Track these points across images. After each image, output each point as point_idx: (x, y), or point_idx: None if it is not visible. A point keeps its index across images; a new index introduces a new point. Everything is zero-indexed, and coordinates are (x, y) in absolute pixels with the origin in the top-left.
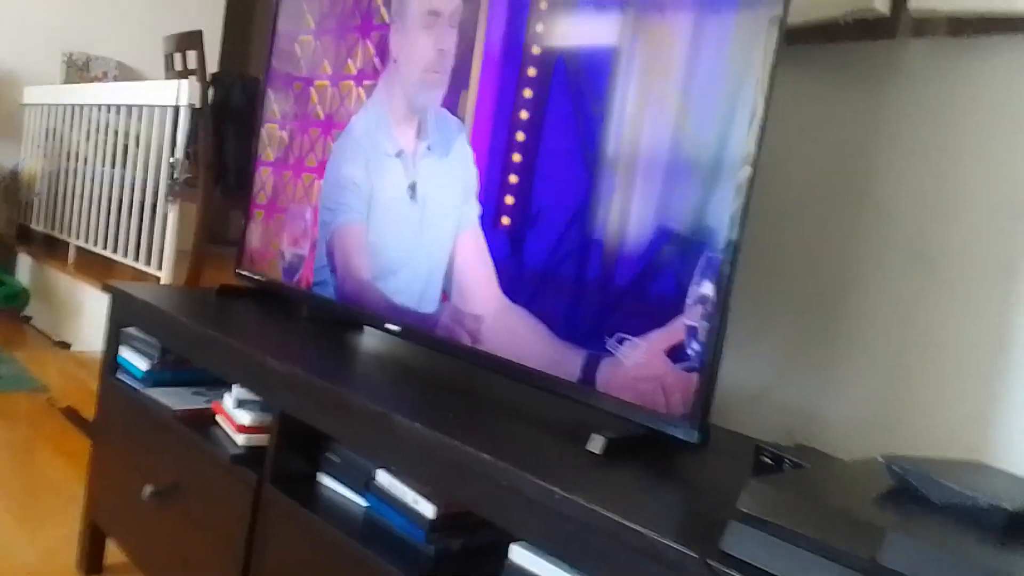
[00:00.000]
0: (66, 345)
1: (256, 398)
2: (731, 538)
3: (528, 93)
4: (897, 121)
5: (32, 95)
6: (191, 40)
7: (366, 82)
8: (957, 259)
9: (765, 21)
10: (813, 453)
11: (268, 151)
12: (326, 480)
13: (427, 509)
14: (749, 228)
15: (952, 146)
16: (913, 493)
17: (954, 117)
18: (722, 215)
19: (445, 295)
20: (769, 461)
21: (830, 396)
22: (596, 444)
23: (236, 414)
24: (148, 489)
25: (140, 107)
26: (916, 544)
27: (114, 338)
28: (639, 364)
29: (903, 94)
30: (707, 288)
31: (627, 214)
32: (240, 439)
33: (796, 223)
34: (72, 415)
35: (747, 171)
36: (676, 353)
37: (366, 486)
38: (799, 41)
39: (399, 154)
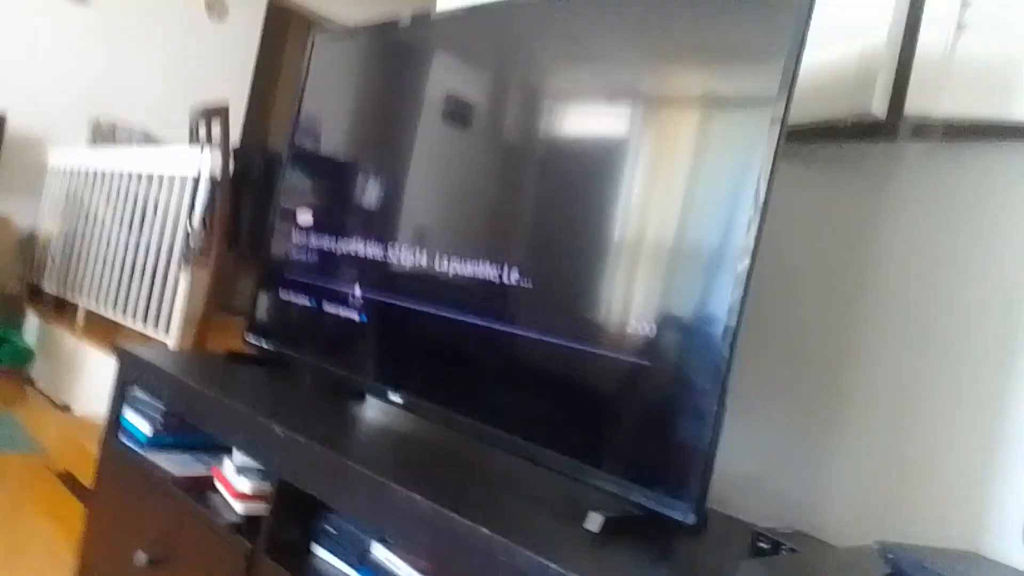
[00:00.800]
0: (67, 408)
1: (256, 465)
2: None
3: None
4: (896, 214)
5: (56, 157)
6: (216, 112)
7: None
8: (953, 345)
9: (766, 121)
10: (809, 540)
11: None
12: (322, 552)
13: None
14: (748, 314)
15: (949, 238)
16: None
17: (951, 212)
18: (722, 303)
19: None
20: (765, 546)
21: (826, 480)
22: (594, 522)
23: (235, 481)
24: (142, 556)
25: (162, 177)
26: None
27: (119, 399)
28: (639, 445)
29: (902, 191)
30: (707, 373)
31: (632, 293)
32: (238, 507)
33: (796, 309)
34: (68, 479)
35: (746, 262)
36: (675, 436)
37: (361, 560)
38: (801, 140)
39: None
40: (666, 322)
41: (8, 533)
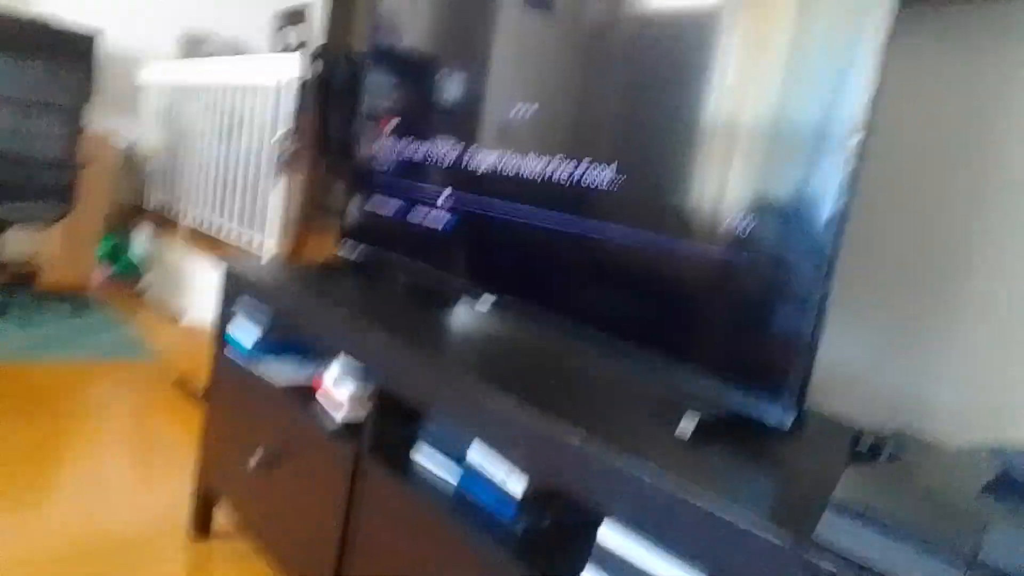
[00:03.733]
0: (176, 317)
1: (356, 370)
2: (826, 527)
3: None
4: (1009, 94)
5: (149, 74)
6: (297, 16)
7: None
8: None
9: None
10: (914, 441)
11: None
12: (421, 453)
13: (517, 486)
14: (858, 199)
15: None
16: (1020, 485)
17: None
18: (829, 186)
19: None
20: (867, 448)
21: (935, 380)
22: (688, 424)
23: (336, 388)
24: (254, 457)
25: (250, 87)
26: (1021, 539)
27: (224, 311)
28: (736, 341)
29: (1019, 62)
30: (810, 264)
31: (729, 181)
32: (339, 413)
33: (909, 196)
34: (182, 385)
35: (856, 139)
36: (774, 330)
37: (460, 460)
38: (914, 3)
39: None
40: (767, 208)
41: (134, 435)
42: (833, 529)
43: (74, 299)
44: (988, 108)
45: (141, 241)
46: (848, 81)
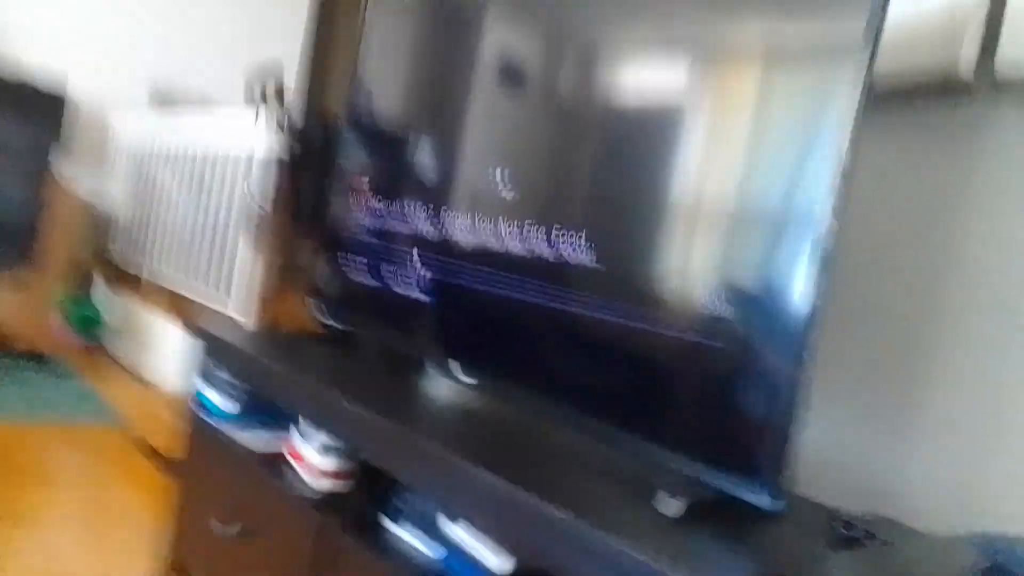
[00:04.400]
0: (141, 378)
1: (334, 442)
2: None
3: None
4: (985, 181)
5: (119, 130)
6: (271, 70)
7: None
8: None
9: (850, 75)
10: (894, 526)
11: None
12: (399, 528)
13: (497, 564)
14: (832, 285)
15: None
16: (1003, 573)
17: None
18: (804, 266)
19: None
20: (847, 533)
21: (911, 464)
22: (671, 507)
23: (313, 458)
24: (224, 527)
25: (222, 153)
26: None
27: (197, 377)
28: (714, 423)
29: (991, 154)
30: (788, 352)
31: (702, 260)
32: (316, 483)
33: (878, 282)
34: (150, 451)
35: (829, 232)
36: (754, 415)
37: (438, 535)
38: (881, 100)
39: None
40: (744, 298)
41: (93, 502)
42: None
43: (34, 358)
44: (954, 194)
45: (104, 298)
46: (819, 165)
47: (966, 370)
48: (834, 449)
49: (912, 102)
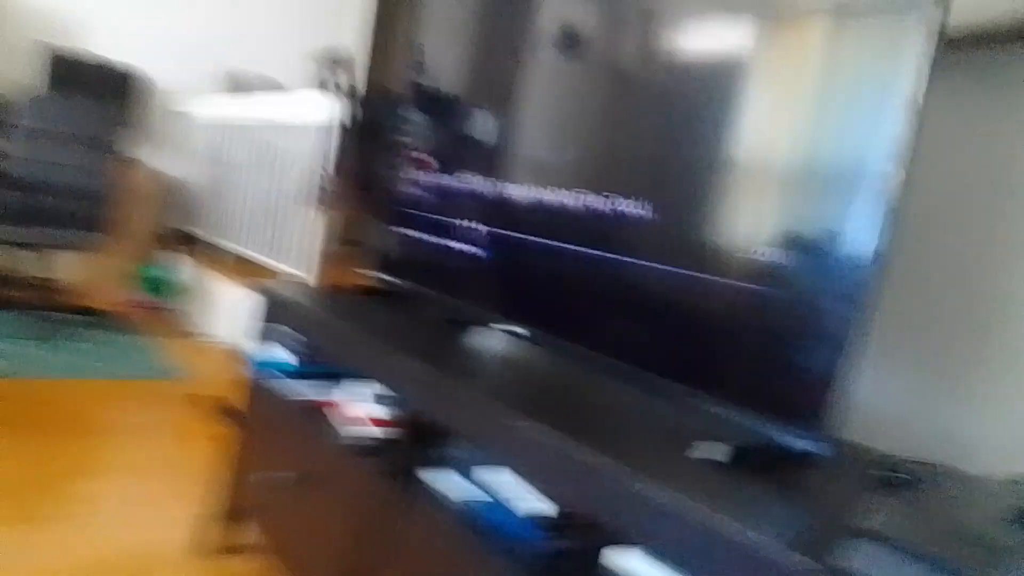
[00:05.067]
0: (212, 338)
1: (385, 393)
2: (850, 555)
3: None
4: None
5: (193, 109)
6: (338, 55)
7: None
8: None
9: (921, 25)
10: (944, 472)
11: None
12: (447, 476)
13: (545, 508)
14: (897, 237)
15: None
16: None
17: None
18: (866, 222)
19: None
20: (892, 476)
21: (974, 417)
22: (703, 452)
23: (367, 409)
24: (283, 476)
25: (293, 125)
26: None
27: (261, 334)
28: (770, 373)
29: None
30: (848, 297)
31: (764, 218)
32: (369, 433)
33: (949, 234)
34: (214, 404)
35: (897, 179)
36: (809, 362)
37: (486, 482)
38: (952, 48)
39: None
40: (803, 247)
41: (163, 452)
42: (857, 557)
43: (100, 317)
44: (1017, 152)
45: (181, 268)
46: (887, 115)
47: None
48: (894, 400)
49: (989, 49)
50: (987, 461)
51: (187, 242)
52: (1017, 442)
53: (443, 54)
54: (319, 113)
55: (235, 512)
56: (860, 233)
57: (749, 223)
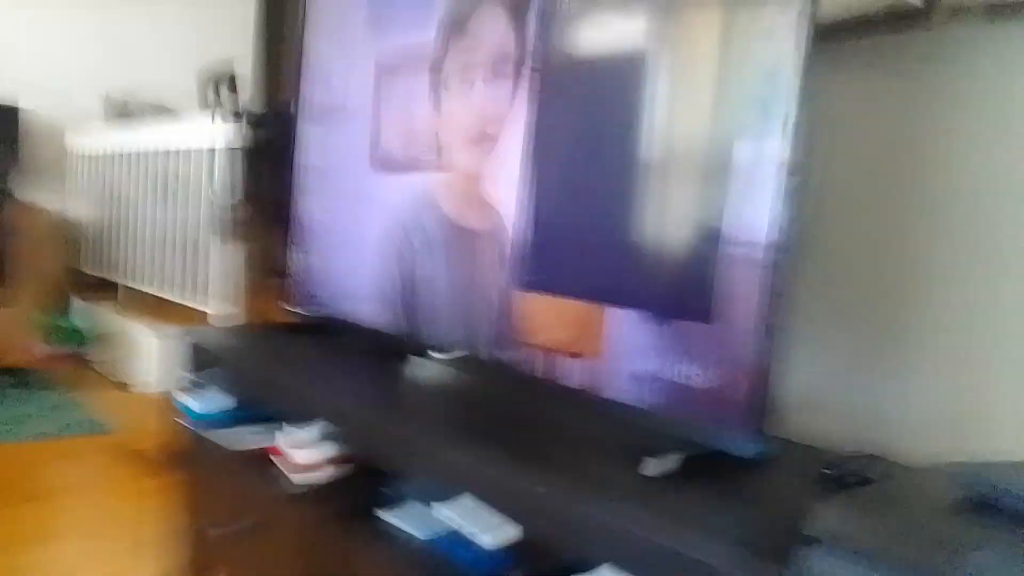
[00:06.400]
0: (124, 385)
1: (318, 435)
2: (804, 562)
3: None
4: (939, 112)
5: (75, 139)
6: (224, 72)
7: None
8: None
9: (793, 16)
10: (881, 462)
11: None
12: (388, 514)
13: (491, 540)
14: (802, 229)
15: (1004, 131)
16: (985, 503)
17: (1004, 102)
18: (767, 214)
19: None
20: (835, 475)
21: (896, 399)
22: (652, 467)
23: (299, 452)
24: (233, 527)
25: (181, 151)
26: (998, 560)
27: (182, 381)
28: (694, 377)
29: (943, 84)
30: (759, 293)
31: (667, 217)
32: (299, 477)
33: (848, 222)
34: (139, 456)
35: (788, 170)
36: (732, 363)
37: (430, 519)
38: (828, 37)
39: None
40: (710, 240)
41: (93, 511)
42: (811, 563)
43: (18, 375)
44: (916, 127)
45: (80, 309)
46: (773, 107)
47: (945, 303)
48: (822, 389)
49: (864, 35)
50: (913, 439)
51: (91, 284)
52: (941, 419)
53: (329, 66)
54: (210, 136)
55: (190, 567)
56: (764, 223)
57: (659, 220)
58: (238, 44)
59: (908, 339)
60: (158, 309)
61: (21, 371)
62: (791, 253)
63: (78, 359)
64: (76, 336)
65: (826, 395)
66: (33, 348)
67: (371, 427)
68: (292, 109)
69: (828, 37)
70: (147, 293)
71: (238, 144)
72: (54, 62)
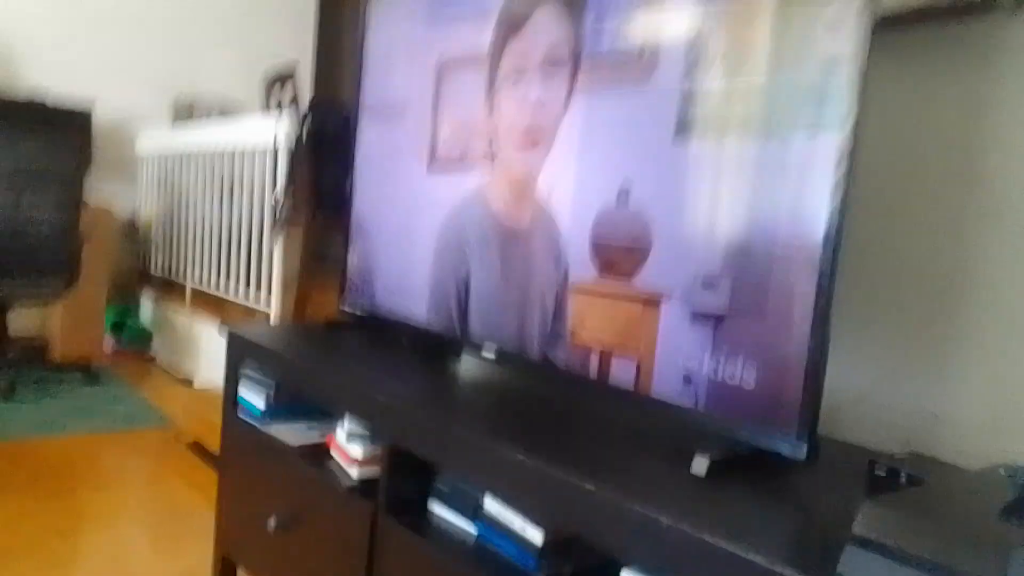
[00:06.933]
0: (188, 382)
1: (366, 431)
2: (848, 563)
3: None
4: (1001, 104)
5: (144, 144)
6: (286, 74)
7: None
8: None
9: (854, 7)
10: (929, 463)
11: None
12: (437, 508)
13: (535, 535)
14: (851, 223)
15: None
16: None
17: None
18: (820, 210)
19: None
20: (883, 475)
21: (945, 398)
22: (700, 466)
23: (348, 447)
24: (272, 520)
25: (243, 151)
26: None
27: (233, 377)
28: (743, 376)
29: (1007, 74)
30: (808, 288)
31: (718, 214)
32: (353, 471)
33: (901, 216)
34: (198, 449)
35: (844, 164)
36: (779, 361)
37: (475, 513)
38: (889, 27)
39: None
40: (758, 239)
41: (151, 501)
42: (855, 565)
43: (85, 370)
44: (975, 120)
45: (147, 307)
46: (832, 103)
47: (997, 304)
48: (870, 389)
49: (927, 25)
50: (958, 441)
51: (157, 283)
52: (984, 419)
53: (391, 62)
54: (272, 133)
55: (230, 558)
56: (814, 218)
57: (707, 217)
58: (298, 45)
59: (955, 339)
60: (222, 308)
61: (91, 366)
62: (841, 250)
63: (144, 356)
64: (143, 334)
65: (873, 396)
66: (103, 344)
67: (422, 423)
68: (352, 106)
69: (890, 27)
70: (210, 292)
71: (295, 145)
72: (124, 68)
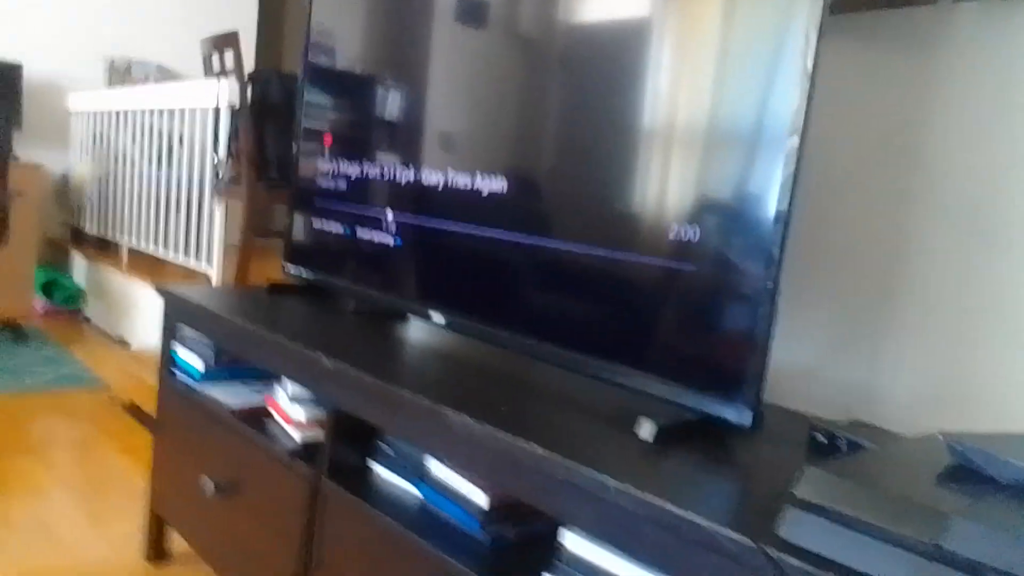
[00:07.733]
0: (123, 343)
1: (309, 394)
2: (789, 525)
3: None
4: (946, 88)
5: (77, 102)
6: (228, 41)
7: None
8: (1016, 227)
9: None
10: (870, 430)
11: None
12: (381, 471)
13: (481, 499)
14: (798, 200)
15: (1006, 112)
16: (975, 472)
17: (1007, 81)
18: (771, 185)
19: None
20: (824, 441)
21: (886, 370)
22: (646, 431)
23: (290, 410)
24: (209, 484)
25: (182, 110)
26: (981, 528)
27: (169, 339)
28: (689, 345)
29: (951, 59)
30: (757, 262)
31: (671, 189)
32: (295, 434)
33: (846, 195)
34: (134, 411)
35: (795, 140)
36: (727, 332)
37: (420, 476)
38: (838, 9)
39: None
40: (710, 213)
41: (83, 465)
42: (795, 527)
43: (14, 330)
44: (917, 104)
45: (81, 267)
46: (782, 83)
47: (935, 279)
48: (812, 360)
49: (874, 8)
50: (897, 412)
51: (89, 243)
52: (924, 391)
53: (339, 29)
54: (208, 97)
55: (163, 520)
56: (763, 197)
57: (658, 195)
58: (241, 15)
59: (897, 313)
60: (158, 268)
61: (20, 326)
62: (790, 223)
63: (77, 316)
64: (76, 293)
65: (817, 365)
66: (33, 304)
67: (364, 385)
68: (298, 72)
69: (834, 9)
70: (147, 253)
71: (238, 103)
72: (57, 23)
